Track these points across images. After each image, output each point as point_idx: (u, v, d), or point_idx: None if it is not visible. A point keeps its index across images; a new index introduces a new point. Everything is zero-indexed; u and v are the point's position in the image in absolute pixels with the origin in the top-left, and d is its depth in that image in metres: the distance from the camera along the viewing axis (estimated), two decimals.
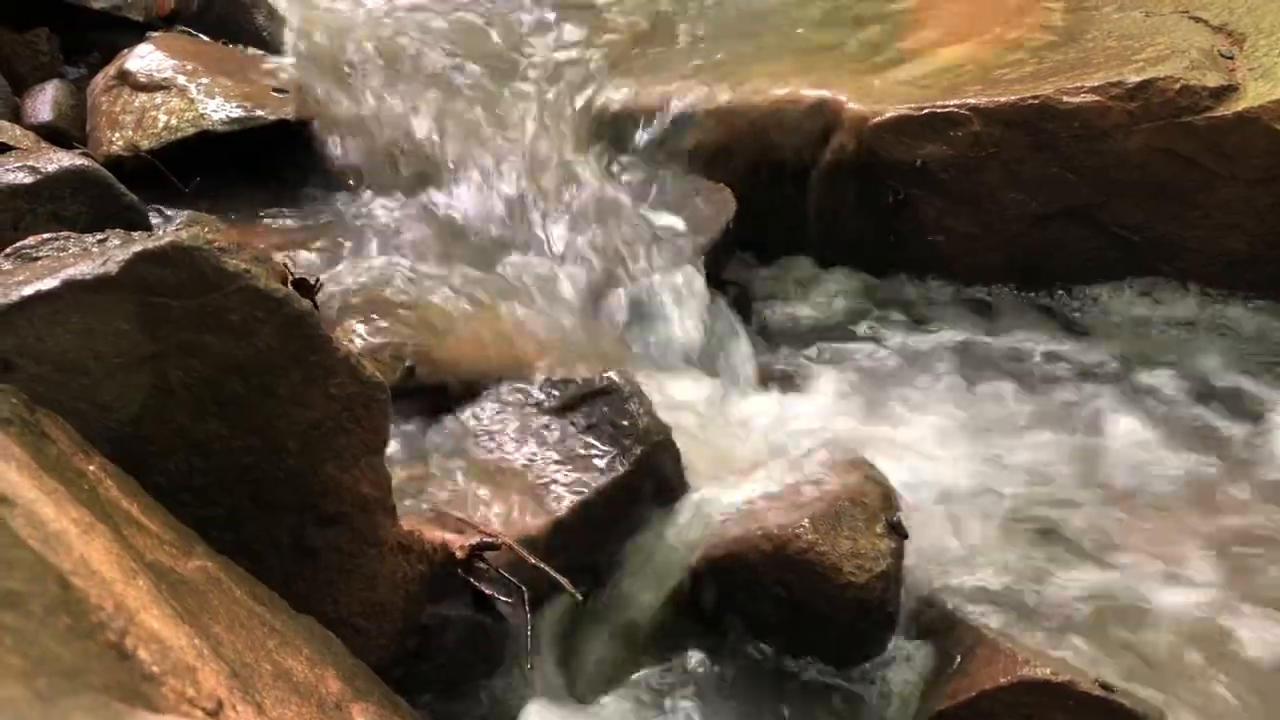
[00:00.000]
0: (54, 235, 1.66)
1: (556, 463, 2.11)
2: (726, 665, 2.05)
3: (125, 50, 3.03)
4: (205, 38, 3.24)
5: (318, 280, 2.20)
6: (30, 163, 2.21)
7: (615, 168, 3.04)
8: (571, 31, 3.52)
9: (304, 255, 2.61)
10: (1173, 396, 2.63)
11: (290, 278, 1.99)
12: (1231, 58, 2.84)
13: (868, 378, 2.72)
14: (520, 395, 2.26)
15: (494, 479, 2.08)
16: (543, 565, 1.89)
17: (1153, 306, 2.89)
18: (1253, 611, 2.02)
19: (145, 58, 2.96)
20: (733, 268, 3.01)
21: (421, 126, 2.99)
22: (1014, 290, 2.99)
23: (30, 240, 1.64)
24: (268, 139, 2.85)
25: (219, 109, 2.80)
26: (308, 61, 3.17)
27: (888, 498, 2.13)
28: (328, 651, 1.55)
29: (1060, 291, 2.96)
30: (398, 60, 3.27)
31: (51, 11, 3.15)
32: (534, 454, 2.13)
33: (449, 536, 1.87)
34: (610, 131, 3.13)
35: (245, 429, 1.52)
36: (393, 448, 1.80)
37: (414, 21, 3.46)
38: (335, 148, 2.93)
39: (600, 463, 2.09)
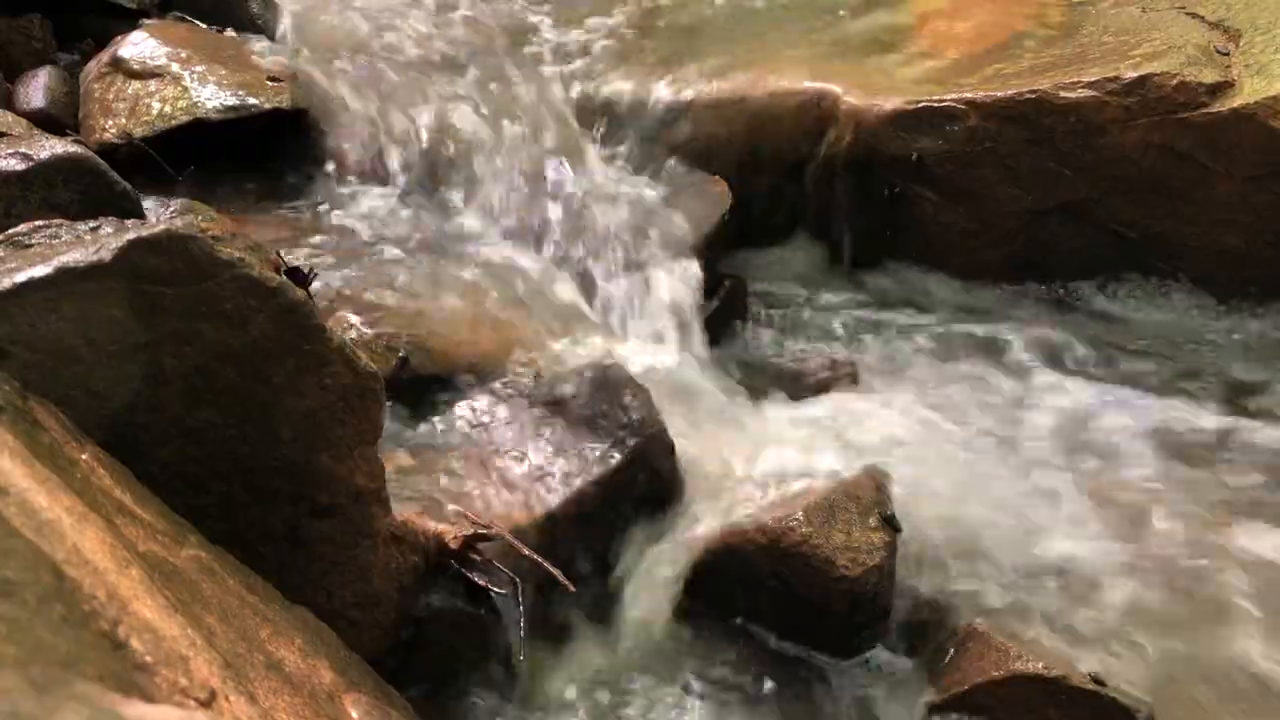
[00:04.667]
0: (46, 222, 1.65)
1: (551, 454, 2.11)
2: (722, 655, 2.05)
3: (119, 37, 3.01)
4: (200, 24, 3.22)
5: (311, 269, 2.19)
6: (22, 149, 2.20)
7: (612, 159, 3.04)
8: (569, 22, 3.51)
9: (298, 244, 2.60)
10: (1172, 393, 2.63)
11: (284, 267, 1.98)
12: (1227, 54, 2.84)
13: (862, 371, 2.72)
14: (514, 386, 2.25)
15: (488, 470, 2.08)
16: (536, 556, 1.88)
17: (1151, 303, 2.89)
18: (1247, 607, 2.03)
19: (139, 44, 2.94)
20: (728, 260, 3.00)
21: (416, 116, 2.98)
22: (1010, 286, 2.99)
23: (22, 227, 1.63)
24: (262, 127, 2.83)
25: (213, 97, 2.79)
26: (303, 50, 3.15)
27: (881, 492, 2.14)
28: (321, 642, 1.54)
29: (1057, 287, 2.97)
30: (393, 49, 3.26)
31: None
32: (528, 445, 2.13)
33: (442, 527, 1.87)
34: (607, 123, 3.12)
35: (239, 418, 1.52)
36: (386, 438, 1.80)
37: (410, 10, 3.44)
38: (330, 136, 2.92)
39: (594, 454, 2.09)
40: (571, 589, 1.89)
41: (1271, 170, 2.70)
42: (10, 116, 2.60)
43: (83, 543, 0.95)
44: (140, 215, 2.33)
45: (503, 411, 2.20)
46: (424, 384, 2.25)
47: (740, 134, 3.05)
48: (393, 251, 2.63)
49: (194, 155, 2.73)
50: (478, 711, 1.91)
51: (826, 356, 2.78)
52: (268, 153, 2.87)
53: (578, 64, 3.31)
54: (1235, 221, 2.78)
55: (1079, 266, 2.95)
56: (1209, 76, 2.73)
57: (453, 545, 1.84)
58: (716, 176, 3.01)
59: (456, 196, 2.87)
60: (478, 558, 1.87)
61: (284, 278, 1.56)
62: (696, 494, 2.17)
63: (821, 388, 2.66)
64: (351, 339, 2.07)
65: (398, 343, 2.29)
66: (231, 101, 2.79)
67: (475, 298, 2.52)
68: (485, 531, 1.87)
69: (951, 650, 1.98)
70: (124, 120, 2.75)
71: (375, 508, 1.70)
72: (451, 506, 1.97)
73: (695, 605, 2.09)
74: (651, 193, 2.95)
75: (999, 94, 2.85)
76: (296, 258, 2.44)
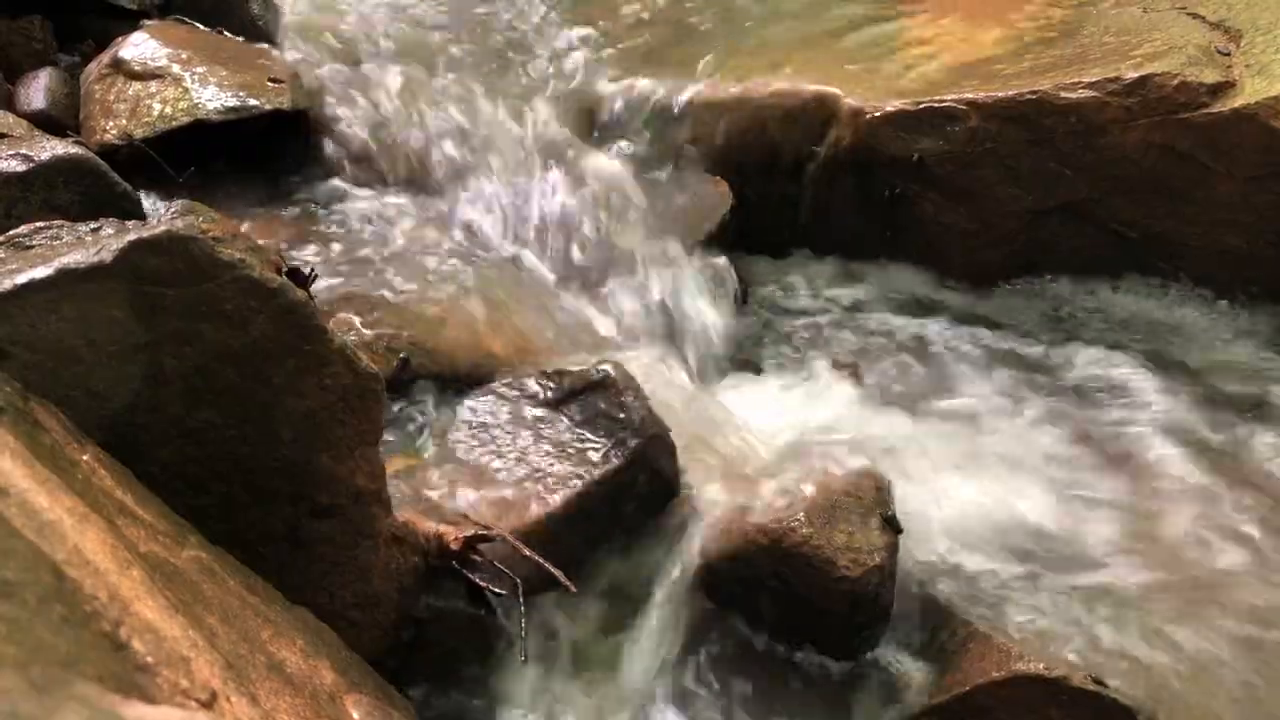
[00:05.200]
0: (47, 224, 1.65)
1: (551, 455, 2.10)
2: (722, 656, 2.05)
3: (119, 38, 3.01)
4: (200, 26, 3.22)
5: (312, 270, 2.18)
6: (23, 150, 2.20)
7: (613, 160, 3.04)
8: (570, 23, 3.51)
9: (299, 245, 2.60)
10: (1171, 393, 2.63)
11: (284, 267, 1.98)
12: (1228, 54, 2.83)
13: (863, 372, 2.72)
14: (515, 387, 2.25)
15: (489, 471, 2.08)
16: (537, 557, 1.88)
17: (1151, 302, 2.89)
18: (1248, 608, 2.03)
19: (139, 46, 2.94)
20: (729, 261, 3.00)
21: (417, 117, 2.98)
22: (1011, 286, 2.99)
23: (23, 229, 1.63)
24: (262, 128, 2.83)
25: (213, 98, 2.79)
26: (303, 51, 3.15)
27: (882, 492, 2.14)
28: (321, 643, 1.54)
29: (1057, 287, 2.96)
30: (394, 49, 3.26)
31: None
32: (529, 446, 2.13)
33: (443, 528, 1.87)
34: (608, 123, 3.12)
35: (239, 418, 1.52)
36: (387, 439, 1.80)
37: (411, 12, 3.44)
38: (331, 137, 2.92)
39: (595, 456, 2.09)
40: (572, 589, 1.89)
41: (1272, 170, 2.70)
42: (11, 118, 2.60)
43: (84, 543, 0.95)
44: (141, 216, 2.33)
45: (504, 412, 2.20)
46: (425, 385, 2.25)
47: (741, 134, 3.04)
48: (394, 252, 2.63)
49: (195, 156, 2.73)
50: (478, 712, 1.91)
51: (828, 357, 2.78)
52: (268, 154, 2.87)
53: (580, 64, 3.31)
54: (1236, 222, 2.77)
55: (1080, 266, 2.95)
56: (1210, 77, 2.73)
57: (453, 546, 1.84)
58: (717, 177, 3.01)
59: (458, 197, 2.87)
60: (478, 558, 1.87)
61: (285, 278, 1.56)
62: (698, 494, 2.17)
63: (823, 388, 2.66)
64: (352, 340, 2.07)
65: (398, 343, 2.29)
66: (232, 103, 2.79)
67: (476, 299, 2.52)
68: (486, 532, 1.87)
69: (952, 651, 1.98)
70: (125, 121, 2.75)
71: (376, 508, 1.70)
72: (452, 507, 1.97)
73: (696, 605, 2.09)
74: (653, 193, 2.95)
75: (1000, 94, 2.85)
76: (297, 258, 2.44)
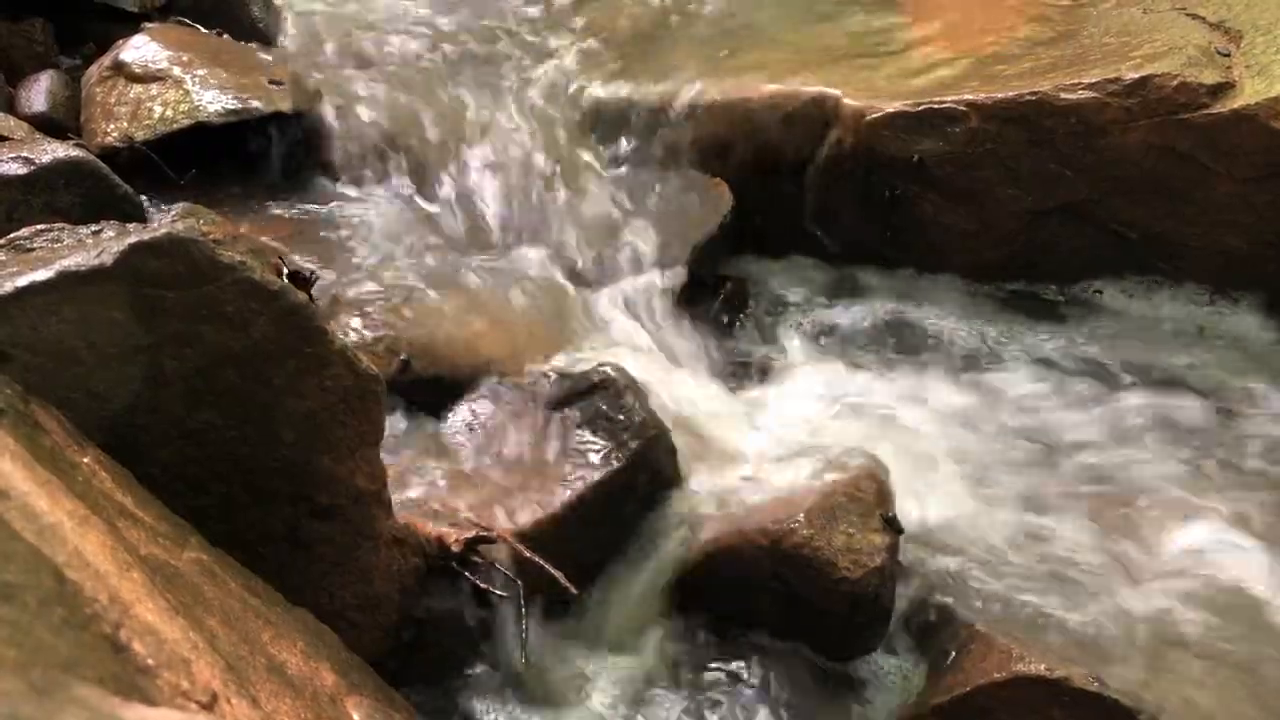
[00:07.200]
0: (48, 226, 1.65)
1: (552, 456, 2.11)
2: (723, 657, 2.05)
3: (120, 41, 3.01)
4: (201, 29, 3.23)
5: (313, 272, 2.19)
6: (24, 153, 2.21)
7: (612, 162, 3.04)
8: (569, 26, 3.51)
9: (299, 247, 2.60)
10: (1171, 394, 2.63)
11: (285, 270, 1.98)
12: (1228, 55, 2.83)
13: (864, 373, 2.72)
14: (516, 389, 2.25)
15: (489, 472, 2.08)
16: (537, 559, 1.88)
17: (1150, 303, 2.89)
18: (1249, 606, 2.03)
19: (140, 48, 2.95)
20: (729, 263, 3.00)
21: (417, 119, 2.98)
22: (1011, 286, 2.99)
23: (24, 231, 1.64)
24: (263, 130, 2.84)
25: (214, 100, 2.79)
26: (303, 53, 3.16)
27: (883, 493, 2.14)
28: (322, 644, 1.54)
29: (1058, 288, 2.97)
30: (394, 52, 3.26)
31: (46, 1, 3.13)
32: (529, 448, 2.13)
33: (444, 530, 1.87)
34: (607, 126, 3.12)
35: (239, 419, 1.52)
36: (388, 440, 1.80)
37: (411, 15, 3.45)
38: (331, 139, 2.92)
39: (596, 457, 2.09)
40: (573, 591, 1.89)
41: (1272, 171, 2.70)
42: (12, 120, 2.61)
43: (84, 546, 0.95)
44: (142, 218, 2.34)
45: (504, 414, 2.21)
46: (425, 386, 2.25)
47: (742, 136, 3.04)
48: (394, 254, 2.63)
49: (195, 158, 2.73)
50: (479, 713, 1.91)
51: (828, 357, 2.78)
52: (269, 156, 2.88)
53: (579, 67, 3.31)
54: (1236, 222, 2.77)
55: (1079, 267, 2.95)
56: (1210, 77, 2.73)
57: (454, 547, 1.84)
58: (717, 178, 3.01)
59: (458, 199, 2.87)
60: (479, 560, 1.87)
61: (286, 281, 1.57)
62: (698, 496, 2.17)
63: (823, 389, 2.66)
64: (353, 341, 2.08)
65: (399, 345, 2.29)
66: (233, 105, 2.79)
67: (476, 301, 2.52)
68: (486, 534, 1.88)
69: (953, 652, 1.98)
70: (126, 124, 2.75)
71: (376, 509, 1.70)
72: (453, 508, 1.97)
73: (697, 607, 2.09)
74: (653, 195, 2.95)
75: (1000, 95, 2.84)
76: (298, 260, 2.44)
